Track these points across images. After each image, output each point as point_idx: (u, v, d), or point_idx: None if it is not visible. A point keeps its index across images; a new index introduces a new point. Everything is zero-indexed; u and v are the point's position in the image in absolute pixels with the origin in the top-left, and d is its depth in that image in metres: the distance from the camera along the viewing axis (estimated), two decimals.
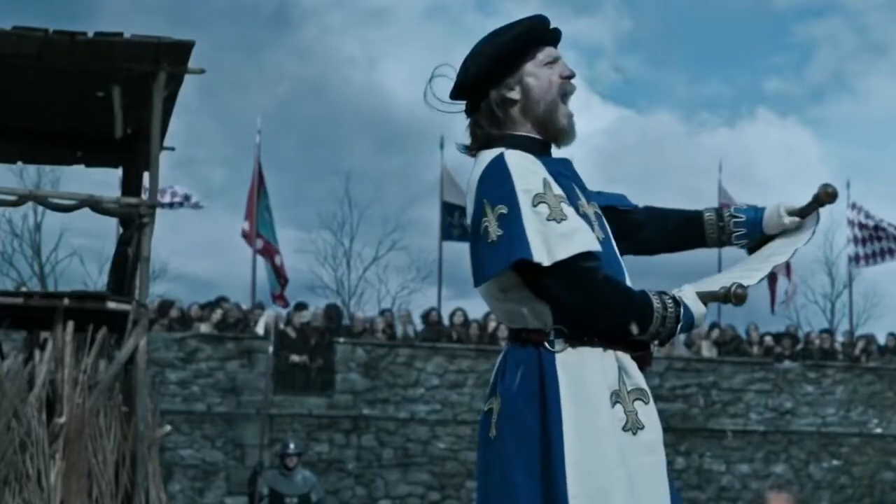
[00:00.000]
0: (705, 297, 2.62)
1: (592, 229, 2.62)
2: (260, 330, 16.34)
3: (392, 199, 41.11)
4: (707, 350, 18.75)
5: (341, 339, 16.89)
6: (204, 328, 16.56)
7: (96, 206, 9.21)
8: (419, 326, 18.26)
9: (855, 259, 21.39)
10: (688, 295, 2.61)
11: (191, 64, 9.11)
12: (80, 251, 27.44)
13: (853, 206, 21.13)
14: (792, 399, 18.51)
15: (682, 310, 2.56)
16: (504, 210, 2.56)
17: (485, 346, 17.04)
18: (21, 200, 9.66)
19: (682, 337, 18.77)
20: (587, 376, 2.54)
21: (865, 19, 49.36)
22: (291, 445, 10.86)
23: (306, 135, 38.68)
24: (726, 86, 46.17)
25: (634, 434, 2.53)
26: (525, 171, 2.59)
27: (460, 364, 17.05)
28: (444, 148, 20.16)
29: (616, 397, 2.54)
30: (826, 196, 2.79)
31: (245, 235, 17.91)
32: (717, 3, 44.54)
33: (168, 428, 9.74)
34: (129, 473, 8.52)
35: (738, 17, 43.86)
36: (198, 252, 33.40)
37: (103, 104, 9.49)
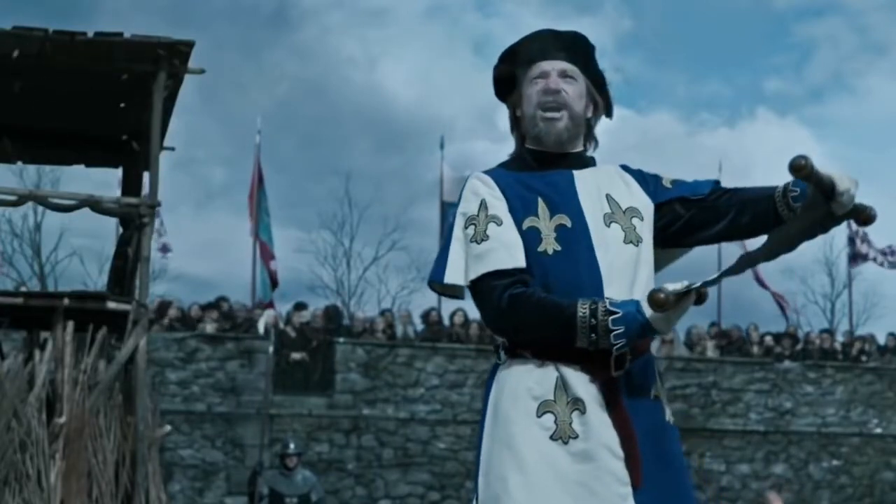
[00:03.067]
0: None
1: (538, 243, 2.69)
2: (260, 329, 16.34)
3: (392, 199, 41.11)
4: (711, 351, 18.76)
5: (341, 339, 16.88)
6: (209, 328, 16.56)
7: (96, 206, 9.21)
8: (419, 326, 18.26)
9: (852, 258, 21.44)
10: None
11: (191, 64, 9.11)
12: (80, 251, 27.45)
13: None
14: (792, 399, 18.52)
15: (612, 318, 2.56)
16: (446, 233, 2.80)
17: (485, 346, 17.01)
18: (21, 200, 9.67)
19: (682, 337, 18.79)
20: (507, 388, 2.68)
21: (865, 19, 49.40)
22: (291, 445, 10.85)
23: (306, 135, 38.72)
24: (726, 86, 46.23)
25: (565, 443, 2.60)
26: (471, 194, 2.77)
27: (460, 364, 17.04)
28: (444, 148, 20.22)
29: (546, 407, 2.62)
30: (791, 170, 2.47)
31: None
32: (717, 3, 44.58)
33: (168, 428, 9.74)
34: (129, 473, 8.53)
35: (738, 17, 43.90)
36: (198, 252, 33.41)
37: (103, 104, 9.50)
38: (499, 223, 2.71)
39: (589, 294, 2.62)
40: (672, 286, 2.55)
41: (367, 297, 29.28)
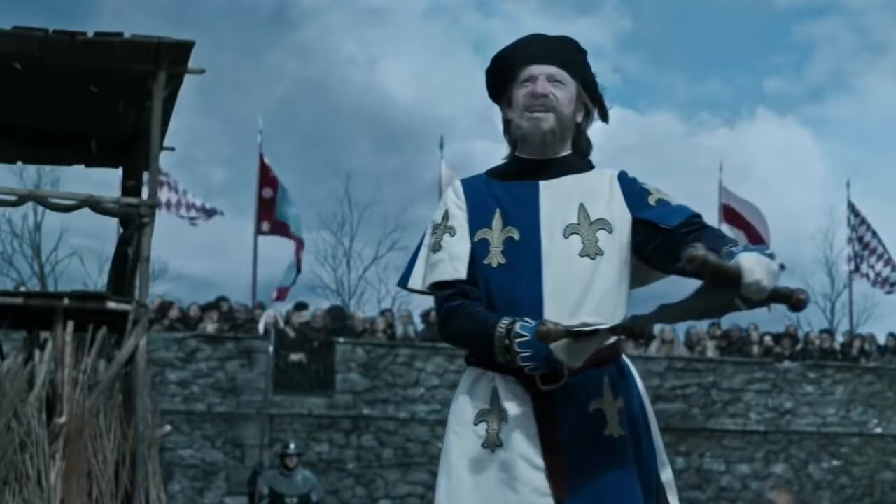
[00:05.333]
0: None
1: (486, 255, 2.74)
2: (260, 330, 16.34)
3: (392, 199, 41.17)
4: (711, 351, 18.76)
5: (341, 339, 16.88)
6: (209, 328, 16.56)
7: (96, 206, 9.20)
8: (419, 326, 18.26)
9: (851, 258, 21.44)
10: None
11: (191, 64, 9.10)
12: (80, 251, 27.52)
13: (851, 208, 21.21)
14: (792, 399, 18.51)
15: (518, 341, 2.59)
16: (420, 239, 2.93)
17: None
18: (21, 200, 9.65)
19: (682, 337, 18.80)
20: (456, 395, 2.81)
21: (865, 19, 49.41)
22: (291, 445, 10.86)
23: (306, 135, 38.74)
24: (726, 86, 46.25)
25: (492, 451, 2.68)
26: (441, 202, 2.88)
27: (460, 364, 16.84)
28: (443, 148, 20.21)
29: (483, 416, 2.71)
30: (684, 262, 2.36)
31: (270, 232, 17.88)
32: (717, 3, 44.60)
33: (168, 428, 9.73)
34: (129, 473, 8.52)
35: (738, 17, 43.94)
36: (198, 252, 33.42)
37: (103, 104, 9.49)
38: (452, 234, 2.79)
39: (526, 308, 2.64)
40: (590, 320, 2.55)
41: (367, 297, 29.31)
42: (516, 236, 2.74)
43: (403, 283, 2.90)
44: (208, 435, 15.96)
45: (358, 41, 42.58)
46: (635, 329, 2.59)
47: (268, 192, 17.92)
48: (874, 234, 21.03)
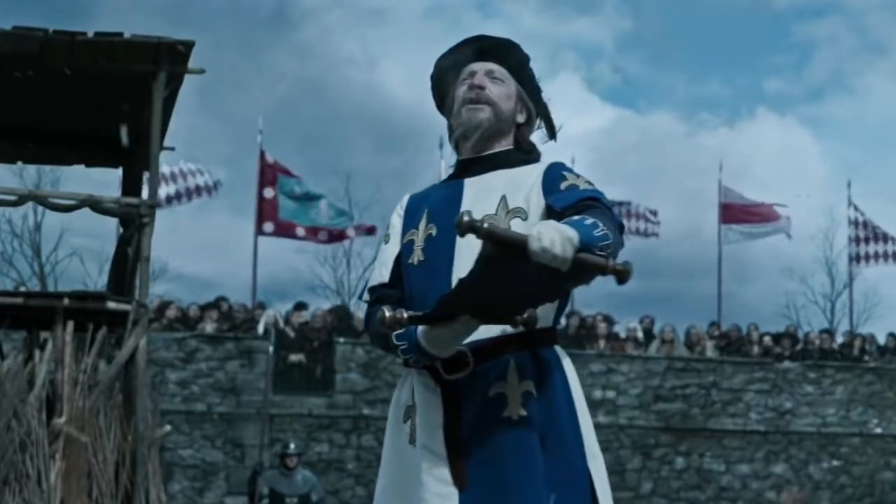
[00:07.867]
0: None
1: (411, 254, 2.76)
2: (260, 330, 16.34)
3: (392, 199, 41.06)
4: (711, 351, 18.75)
5: (341, 339, 16.88)
6: (209, 328, 16.56)
7: (96, 206, 9.20)
8: None
9: (855, 258, 21.47)
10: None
11: (191, 64, 9.10)
12: (80, 251, 27.53)
13: (853, 206, 21.23)
14: (792, 399, 18.51)
15: (394, 334, 2.61)
16: None
17: None
18: (21, 200, 9.64)
19: (682, 337, 18.78)
20: (394, 396, 2.83)
21: (865, 19, 49.39)
22: (291, 445, 10.85)
23: (306, 135, 38.73)
24: (726, 86, 46.27)
25: (415, 446, 2.69)
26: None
27: None
28: (443, 148, 20.22)
29: (409, 413, 2.73)
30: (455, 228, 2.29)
31: (273, 233, 17.92)
32: (717, 3, 44.61)
33: (168, 428, 9.73)
34: (129, 473, 8.52)
35: (738, 17, 43.96)
36: (198, 252, 33.40)
37: (103, 104, 9.50)
38: (387, 241, 2.85)
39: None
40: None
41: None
42: (434, 233, 2.74)
43: (360, 296, 2.92)
44: (208, 435, 15.95)
45: (358, 41, 42.63)
46: (517, 318, 2.46)
47: (268, 192, 17.92)
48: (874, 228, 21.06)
